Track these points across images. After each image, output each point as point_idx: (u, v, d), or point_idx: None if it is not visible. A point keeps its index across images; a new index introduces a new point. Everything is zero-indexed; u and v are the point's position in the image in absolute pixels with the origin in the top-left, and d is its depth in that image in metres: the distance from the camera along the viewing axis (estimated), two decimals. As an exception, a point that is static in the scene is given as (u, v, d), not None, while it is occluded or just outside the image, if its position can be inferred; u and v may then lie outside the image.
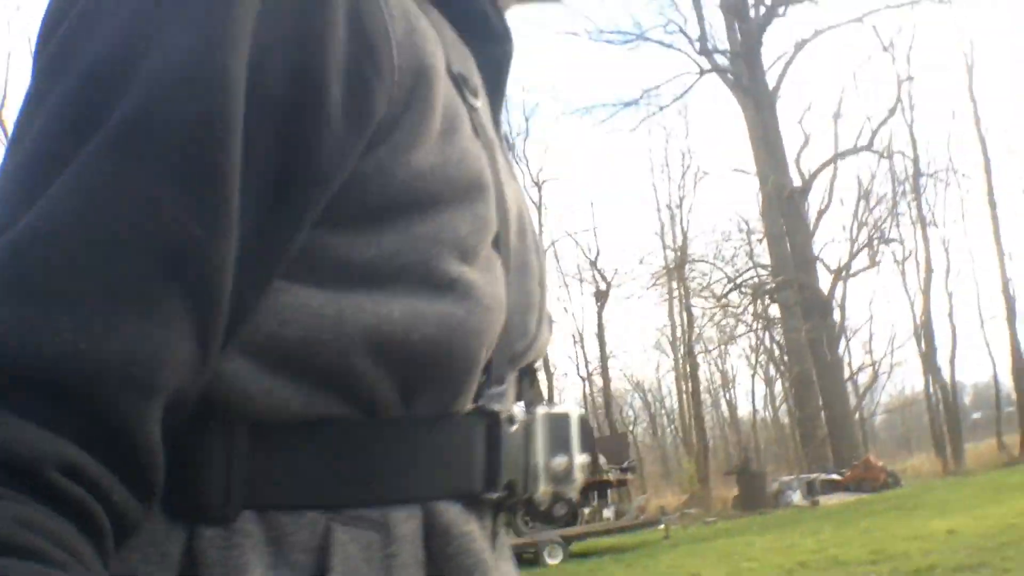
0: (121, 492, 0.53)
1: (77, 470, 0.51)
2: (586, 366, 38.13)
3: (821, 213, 29.92)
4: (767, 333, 33.23)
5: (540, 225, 37.71)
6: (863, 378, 35.88)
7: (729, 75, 28.99)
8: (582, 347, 38.09)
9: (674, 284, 32.70)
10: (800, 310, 26.93)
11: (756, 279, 29.80)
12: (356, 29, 0.62)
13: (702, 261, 32.15)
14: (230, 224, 0.57)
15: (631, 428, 40.41)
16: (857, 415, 33.24)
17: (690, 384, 33.44)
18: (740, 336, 33.74)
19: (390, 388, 0.65)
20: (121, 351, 0.53)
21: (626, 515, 18.46)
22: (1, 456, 0.49)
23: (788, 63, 29.14)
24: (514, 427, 0.73)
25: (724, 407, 41.74)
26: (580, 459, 0.78)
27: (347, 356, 0.63)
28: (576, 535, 15.48)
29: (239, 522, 0.61)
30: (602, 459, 18.32)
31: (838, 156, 29.94)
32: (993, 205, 32.36)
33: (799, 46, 29.09)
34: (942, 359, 32.28)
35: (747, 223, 31.90)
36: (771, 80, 28.79)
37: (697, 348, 33.73)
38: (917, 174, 31.62)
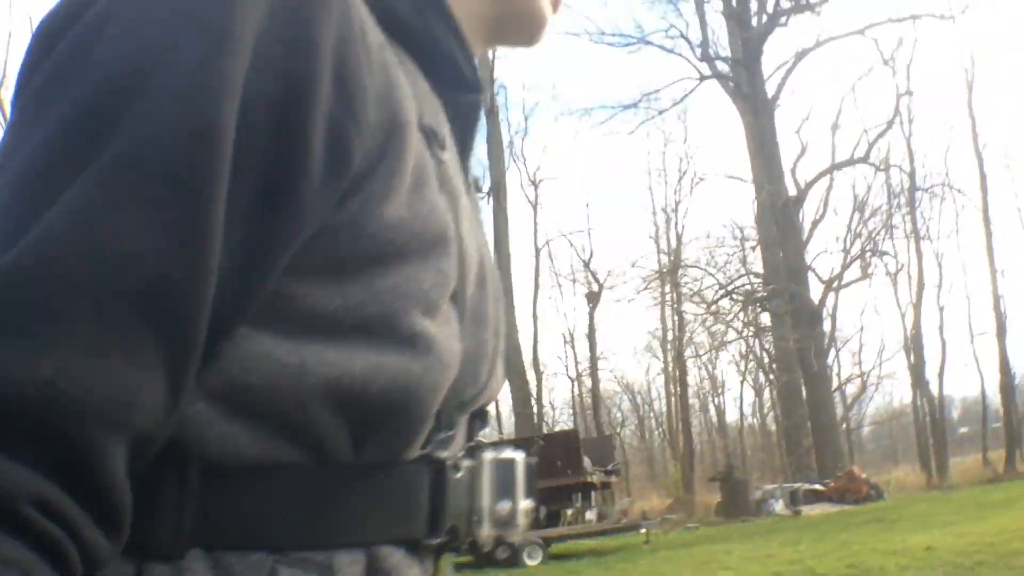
0: (92, 529, 0.55)
1: (51, 506, 0.52)
2: (576, 366, 38.19)
3: (815, 223, 30.01)
4: (757, 341, 33.28)
5: (535, 224, 37.71)
6: (852, 389, 36.00)
7: (729, 82, 29.00)
8: (572, 347, 38.14)
9: (666, 288, 32.73)
10: (790, 319, 26.95)
11: (748, 286, 29.83)
12: (339, 85, 0.63)
13: (695, 267, 32.21)
14: (210, 271, 0.58)
15: (619, 430, 40.42)
16: (844, 426, 33.29)
17: (678, 388, 33.49)
18: (730, 342, 33.81)
19: (343, 436, 0.67)
20: (98, 392, 0.54)
21: (608, 518, 18.49)
22: None
23: (788, 72, 29.20)
24: (459, 474, 0.75)
25: (712, 412, 41.82)
26: (524, 504, 0.80)
27: (305, 406, 0.65)
28: (557, 536, 15.52)
29: (187, 560, 0.63)
30: (587, 461, 18.35)
31: (835, 167, 29.96)
32: (988, 221, 32.48)
33: (800, 56, 29.13)
34: (931, 373, 32.41)
35: (741, 230, 31.98)
36: (771, 88, 28.82)
37: (687, 353, 33.79)
38: (913, 188, 31.70)
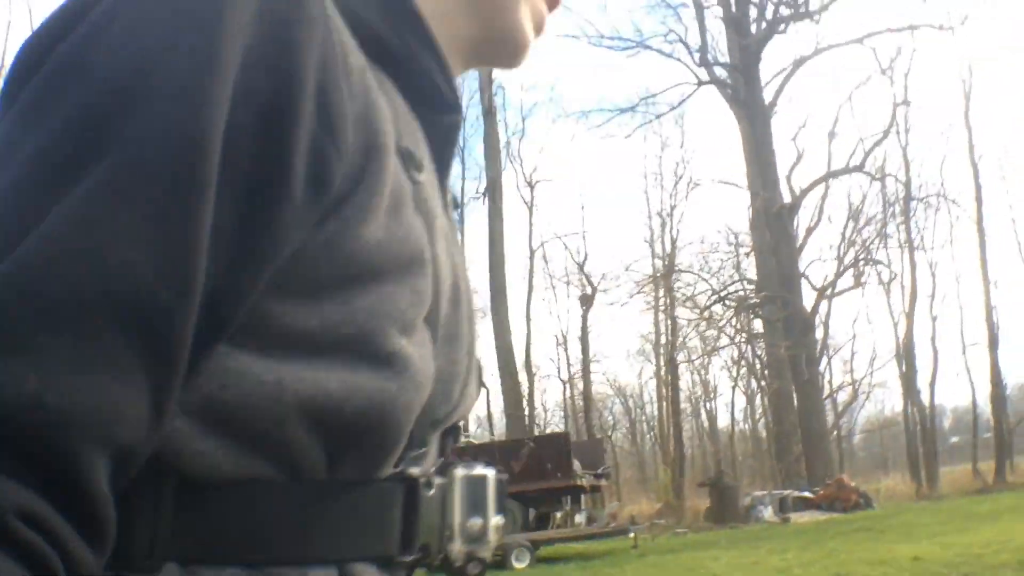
0: (76, 542, 0.56)
1: (37, 518, 0.53)
2: (568, 369, 38.18)
3: (810, 230, 29.99)
4: (750, 347, 33.32)
5: (530, 225, 37.69)
6: (843, 396, 36.02)
7: (727, 87, 29.02)
8: (565, 350, 38.13)
9: (660, 292, 32.76)
10: (782, 326, 26.98)
11: (742, 292, 29.85)
12: (321, 108, 0.65)
13: (688, 272, 32.25)
14: (195, 289, 0.59)
15: (610, 433, 40.42)
16: (835, 433, 33.31)
17: (670, 392, 33.49)
18: (723, 348, 33.84)
19: (318, 454, 0.68)
20: (85, 406, 0.55)
21: (597, 522, 18.48)
22: None
23: (786, 79, 29.23)
24: (432, 491, 0.76)
25: (704, 417, 41.84)
26: (495, 520, 0.82)
27: (282, 423, 0.66)
28: (545, 540, 15.48)
29: (162, 574, 0.64)
30: (577, 464, 18.33)
31: (830, 175, 30.01)
32: (982, 232, 32.55)
33: (798, 63, 29.17)
34: (922, 382, 32.47)
35: (736, 236, 31.99)
36: (768, 95, 28.85)
37: (680, 357, 33.79)
38: (908, 197, 31.77)
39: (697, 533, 19.51)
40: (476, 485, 0.81)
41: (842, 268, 30.30)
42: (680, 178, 36.62)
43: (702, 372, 39.27)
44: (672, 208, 35.58)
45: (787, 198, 28.59)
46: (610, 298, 38.08)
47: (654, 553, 14.82)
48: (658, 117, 31.90)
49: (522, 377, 31.52)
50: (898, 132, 31.24)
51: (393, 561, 0.74)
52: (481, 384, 0.89)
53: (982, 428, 33.31)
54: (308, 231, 0.65)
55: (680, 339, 33.19)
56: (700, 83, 29.56)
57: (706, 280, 31.27)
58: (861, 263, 30.68)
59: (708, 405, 41.28)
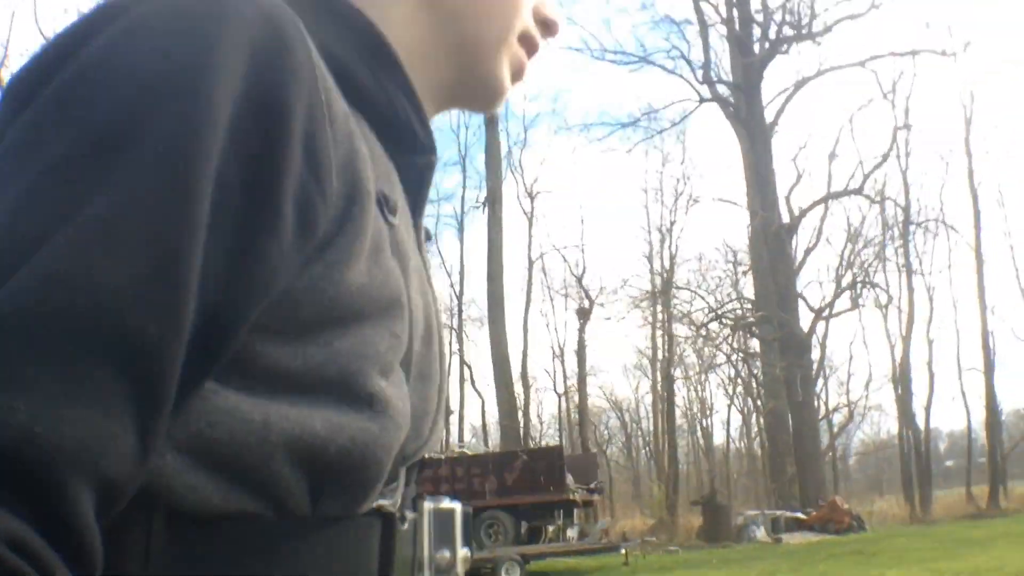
0: (63, 571, 0.56)
1: (25, 546, 0.54)
2: (564, 381, 38.22)
3: (808, 251, 30.08)
4: (746, 366, 33.36)
5: (529, 236, 37.76)
6: (839, 418, 36.07)
7: (729, 106, 29.12)
8: (561, 362, 38.20)
9: (658, 308, 32.81)
10: (778, 346, 27.00)
11: (739, 311, 29.90)
12: (309, 153, 0.66)
13: (685, 289, 32.31)
14: (184, 327, 0.60)
15: (605, 447, 40.47)
16: (830, 455, 33.35)
17: (666, 408, 33.52)
18: (719, 365, 33.89)
19: (302, 491, 0.70)
20: (72, 438, 0.55)
21: (589, 537, 18.46)
22: None
23: (787, 99, 29.34)
24: (405, 525, 0.79)
25: (700, 434, 41.84)
26: (462, 553, 0.85)
27: (269, 461, 0.67)
28: (535, 554, 15.48)
29: None
30: (569, 478, 18.33)
31: (830, 196, 30.09)
32: (980, 258, 32.65)
33: (800, 84, 29.28)
34: (918, 405, 32.51)
35: (735, 253, 32.10)
36: (769, 115, 28.95)
37: (677, 373, 33.85)
38: (907, 221, 31.87)
39: (689, 551, 19.49)
40: (444, 518, 0.84)
41: (840, 290, 30.36)
42: (680, 194, 36.82)
43: (699, 389, 39.37)
44: (671, 224, 35.76)
45: (786, 218, 28.67)
46: (607, 312, 38.21)
47: (645, 571, 14.81)
48: (660, 133, 32.11)
49: (518, 388, 31.64)
50: (898, 156, 31.41)
51: None
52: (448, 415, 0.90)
53: (977, 453, 33.38)
54: (293, 274, 0.66)
55: (677, 355, 33.25)
56: (702, 100, 29.69)
57: (703, 297, 31.37)
58: (859, 285, 30.75)
59: (704, 422, 41.36)
